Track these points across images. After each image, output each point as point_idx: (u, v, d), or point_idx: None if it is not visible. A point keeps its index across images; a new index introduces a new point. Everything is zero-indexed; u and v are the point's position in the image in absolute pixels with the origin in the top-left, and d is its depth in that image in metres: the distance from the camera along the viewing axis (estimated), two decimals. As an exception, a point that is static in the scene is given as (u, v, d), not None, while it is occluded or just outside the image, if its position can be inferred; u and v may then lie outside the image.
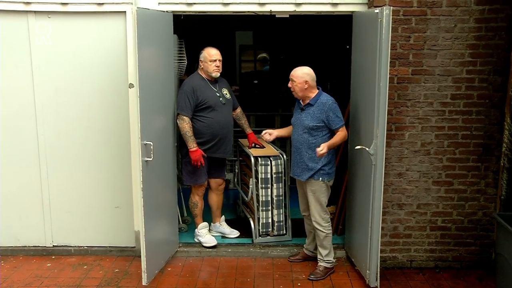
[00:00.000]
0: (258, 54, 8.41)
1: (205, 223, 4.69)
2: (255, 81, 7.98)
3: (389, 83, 3.74)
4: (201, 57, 4.43)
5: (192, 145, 4.29)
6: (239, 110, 4.75)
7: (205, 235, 4.63)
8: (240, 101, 4.96)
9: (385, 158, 3.92)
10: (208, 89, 4.41)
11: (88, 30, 4.23)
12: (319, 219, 4.01)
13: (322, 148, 3.77)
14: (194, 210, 4.64)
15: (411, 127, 4.14)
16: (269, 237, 4.69)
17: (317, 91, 3.95)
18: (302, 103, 4.00)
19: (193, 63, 5.45)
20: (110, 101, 4.35)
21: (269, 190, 4.62)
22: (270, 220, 4.67)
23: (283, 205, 4.68)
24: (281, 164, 4.62)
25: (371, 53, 3.67)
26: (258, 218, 4.65)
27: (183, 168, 4.53)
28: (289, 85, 3.97)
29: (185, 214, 5.15)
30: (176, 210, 4.61)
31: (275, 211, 4.65)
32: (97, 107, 4.35)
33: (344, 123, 3.91)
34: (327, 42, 7.63)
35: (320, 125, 3.88)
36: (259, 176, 4.58)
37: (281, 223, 4.69)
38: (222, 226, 4.85)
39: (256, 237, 4.65)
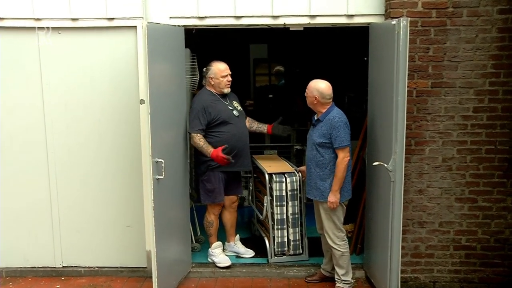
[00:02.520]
0: (273, 68, 8.44)
1: (219, 243, 4.67)
2: (270, 95, 7.99)
3: (407, 96, 3.71)
4: (211, 73, 4.43)
5: (209, 150, 4.30)
6: (247, 118, 4.73)
7: (219, 255, 4.61)
8: (254, 115, 4.97)
9: (405, 174, 3.88)
10: (220, 104, 4.43)
11: (98, 46, 4.29)
12: (333, 237, 3.98)
13: (331, 200, 3.84)
14: (209, 229, 4.63)
15: (432, 141, 4.10)
16: (285, 256, 4.65)
17: (328, 106, 3.93)
18: (315, 117, 4.01)
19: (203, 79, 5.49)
20: (121, 117, 4.38)
21: (284, 208, 4.59)
22: (285, 239, 4.63)
23: (299, 223, 4.65)
24: (296, 181, 4.59)
25: (389, 65, 3.65)
26: (273, 237, 4.62)
27: (201, 187, 4.54)
28: (305, 94, 3.99)
29: (199, 233, 5.13)
30: (189, 229, 4.61)
31: (290, 230, 4.62)
32: (107, 123, 4.39)
33: (347, 144, 3.82)
34: (345, 54, 7.63)
35: (326, 142, 3.87)
36: (274, 194, 4.56)
37: (297, 242, 4.65)
38: (237, 245, 4.83)
39: (271, 257, 4.62)
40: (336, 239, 3.98)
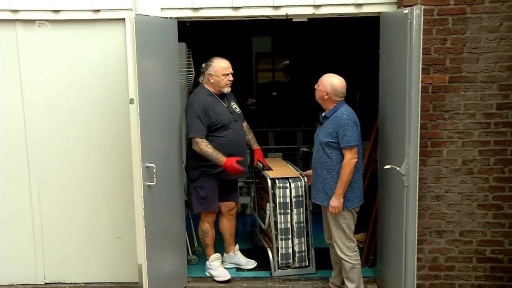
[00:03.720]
0: (279, 63, 8.46)
1: (217, 255, 4.68)
2: (274, 93, 7.99)
3: (422, 92, 3.72)
4: (210, 70, 4.39)
5: (221, 159, 4.29)
6: (245, 124, 4.72)
7: (217, 267, 4.62)
8: (257, 115, 4.99)
9: (420, 179, 3.88)
10: (219, 106, 4.41)
11: (84, 41, 4.31)
12: (343, 247, 3.97)
13: (333, 205, 3.84)
14: (205, 239, 4.65)
15: (450, 142, 4.10)
16: (289, 269, 4.65)
17: (336, 103, 3.90)
18: (322, 115, 4.01)
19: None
20: (110, 119, 4.40)
21: (289, 216, 4.59)
22: (290, 250, 4.62)
23: (305, 233, 4.64)
24: (301, 187, 4.59)
25: (401, 59, 3.66)
26: (277, 248, 4.62)
27: (193, 194, 4.56)
28: (315, 86, 3.98)
29: (196, 244, 5.15)
30: (185, 240, 4.63)
31: (296, 240, 4.61)
32: (96, 125, 4.41)
33: (354, 144, 3.79)
34: (356, 46, 7.62)
35: (333, 141, 3.84)
36: (277, 201, 4.57)
37: (303, 254, 4.65)
38: (237, 256, 4.86)
39: (275, 270, 4.63)
40: (346, 249, 3.97)
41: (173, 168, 4.25)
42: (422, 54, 3.62)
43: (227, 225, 4.76)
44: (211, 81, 4.40)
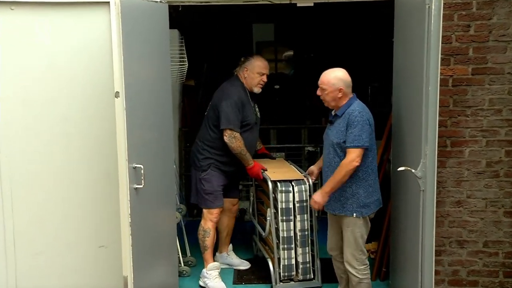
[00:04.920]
0: (280, 52, 8.44)
1: (217, 264, 4.71)
2: (276, 86, 7.98)
3: (442, 86, 3.71)
4: (248, 64, 4.67)
5: (250, 161, 4.63)
6: None
7: (214, 278, 4.65)
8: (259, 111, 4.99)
9: (439, 182, 3.88)
10: (248, 104, 4.68)
11: (64, 26, 4.28)
12: (351, 259, 3.94)
13: (316, 199, 3.91)
14: (205, 240, 4.68)
15: (473, 141, 4.10)
16: (292, 282, 4.64)
17: (349, 98, 3.90)
18: (332, 113, 3.99)
19: (197, 65, 5.48)
20: (93, 114, 4.38)
21: (292, 223, 4.56)
22: (293, 261, 4.60)
23: (310, 242, 4.62)
24: (306, 191, 4.56)
25: (418, 48, 3.63)
26: (279, 259, 4.59)
27: (198, 187, 4.67)
28: (318, 93, 3.94)
29: (188, 254, 5.15)
30: (176, 250, 4.61)
31: (299, 250, 4.59)
32: (76, 121, 4.38)
33: (361, 145, 3.74)
34: (368, 35, 7.60)
35: (344, 139, 3.82)
36: (279, 206, 4.54)
37: (308, 265, 4.62)
38: (230, 256, 5.02)
39: (276, 283, 4.61)
40: (355, 262, 3.94)
41: (163, 169, 4.24)
42: (442, 43, 3.60)
43: (226, 223, 4.91)
44: (245, 76, 4.68)
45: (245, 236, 5.76)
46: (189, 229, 5.27)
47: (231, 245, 5.08)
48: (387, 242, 4.53)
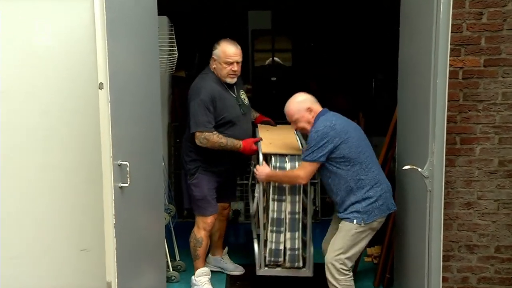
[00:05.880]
0: (278, 42, 8.44)
1: (206, 270, 4.74)
2: (273, 78, 7.99)
3: (451, 78, 3.73)
4: (215, 53, 4.49)
5: (238, 145, 4.44)
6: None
7: (203, 284, 4.67)
8: (253, 104, 5.00)
9: (447, 182, 3.89)
10: (227, 97, 4.52)
11: (43, 13, 4.28)
12: (332, 266, 3.97)
13: (260, 169, 4.17)
14: (196, 249, 4.70)
15: (484, 138, 4.12)
16: (279, 268, 4.48)
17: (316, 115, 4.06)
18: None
19: (187, 55, 5.48)
20: (74, 107, 4.38)
21: (283, 204, 4.32)
22: (281, 247, 4.38)
23: (300, 226, 4.36)
24: None
25: (425, 38, 3.64)
26: (265, 241, 4.40)
27: (190, 193, 4.65)
28: (298, 128, 4.15)
29: (177, 258, 5.17)
30: (164, 253, 4.63)
31: (287, 234, 4.35)
32: (57, 115, 4.38)
33: (312, 159, 3.92)
34: (372, 23, 7.62)
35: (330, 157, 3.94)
36: (270, 183, 4.31)
37: (296, 252, 4.39)
38: (224, 259, 5.06)
39: (260, 267, 4.46)
40: (335, 271, 3.96)
41: (151, 167, 4.24)
42: (452, 32, 3.60)
43: (218, 226, 4.92)
44: (214, 66, 4.52)
45: (239, 239, 5.78)
46: (178, 231, 5.28)
47: (226, 248, 5.12)
48: (391, 246, 4.54)
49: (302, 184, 4.14)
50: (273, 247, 4.37)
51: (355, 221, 3.91)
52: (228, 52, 4.42)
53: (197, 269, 4.71)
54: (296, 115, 4.04)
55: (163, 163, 4.51)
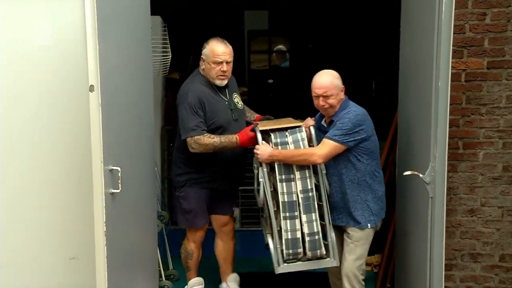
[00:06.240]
0: (274, 42, 8.45)
1: (199, 279, 4.68)
2: (270, 80, 8.00)
3: (453, 81, 3.73)
4: (203, 53, 4.35)
5: (233, 138, 4.22)
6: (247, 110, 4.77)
7: None
8: (249, 107, 4.95)
9: (449, 188, 3.89)
10: (217, 100, 4.35)
11: (32, 12, 4.27)
12: (354, 280, 3.93)
13: (264, 149, 3.90)
14: (187, 261, 4.64)
15: (488, 143, 4.12)
16: (300, 262, 4.01)
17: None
18: (325, 124, 4.02)
19: (182, 57, 5.47)
20: (64, 110, 4.36)
21: (293, 183, 3.95)
22: (298, 234, 3.94)
23: (315, 207, 3.95)
24: (302, 139, 4.01)
25: (427, 39, 3.64)
26: (279, 232, 3.99)
27: (176, 205, 4.56)
28: (321, 103, 3.88)
29: (171, 267, 5.16)
30: (157, 262, 4.62)
31: (303, 217, 3.94)
32: (46, 118, 4.37)
33: (341, 141, 3.79)
34: (373, 24, 7.63)
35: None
36: (276, 162, 3.98)
37: (316, 237, 3.94)
38: (230, 287, 4.73)
39: (279, 264, 3.99)
40: (356, 283, 3.94)
41: (143, 172, 4.23)
42: (454, 33, 3.61)
43: (220, 247, 4.70)
44: (203, 67, 4.38)
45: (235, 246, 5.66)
46: (171, 238, 5.26)
47: (233, 274, 4.73)
48: (392, 255, 4.54)
49: (315, 163, 3.84)
50: (289, 236, 3.94)
51: (369, 225, 3.89)
52: (216, 50, 4.25)
53: (189, 280, 4.67)
54: (333, 90, 3.82)
55: (156, 168, 4.49)
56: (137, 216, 4.16)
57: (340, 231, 4.04)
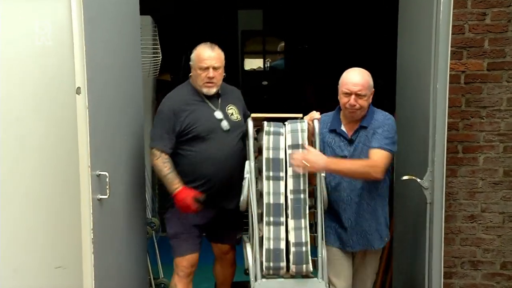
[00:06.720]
0: (269, 43, 8.47)
1: None
2: (265, 82, 8.02)
3: (452, 83, 3.76)
4: (191, 58, 4.16)
5: (175, 186, 3.99)
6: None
7: None
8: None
9: (449, 194, 3.91)
10: (201, 108, 4.10)
11: (16, 11, 4.28)
12: None
13: (313, 157, 3.50)
14: None
15: (488, 147, 4.14)
16: (281, 279, 3.58)
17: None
18: (345, 129, 3.75)
19: (173, 58, 5.48)
20: (50, 113, 4.34)
21: (282, 182, 3.58)
22: (282, 245, 3.54)
23: (306, 212, 3.58)
24: (302, 130, 3.64)
25: (424, 40, 3.67)
26: (261, 240, 3.58)
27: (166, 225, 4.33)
28: (352, 102, 3.60)
29: (161, 276, 5.15)
30: (147, 270, 4.63)
31: (291, 223, 3.54)
32: (31, 122, 4.34)
33: (394, 151, 3.65)
34: (372, 24, 7.65)
35: None
36: (263, 155, 3.61)
37: (303, 248, 3.53)
38: None
39: (256, 278, 3.58)
40: None
41: (132, 177, 4.24)
42: (453, 34, 3.65)
43: (219, 271, 4.52)
44: (190, 74, 4.20)
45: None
46: (162, 246, 5.25)
47: None
48: (390, 262, 4.55)
49: (377, 178, 3.55)
50: (272, 246, 3.54)
51: (386, 239, 3.84)
52: (201, 55, 4.02)
53: None
54: (367, 90, 3.62)
55: (146, 173, 4.49)
56: (125, 223, 4.17)
57: (347, 254, 3.85)
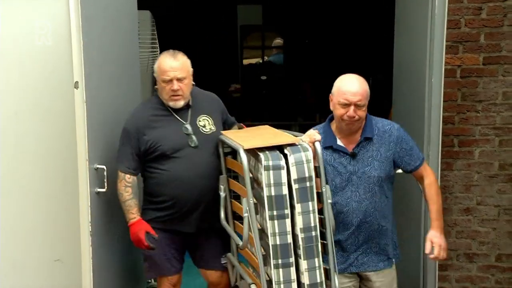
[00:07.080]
0: (268, 38, 8.47)
1: None
2: (263, 77, 8.02)
3: (448, 77, 3.77)
4: (154, 70, 3.84)
5: (131, 215, 3.78)
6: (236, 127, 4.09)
7: None
8: (243, 105, 4.89)
9: (444, 187, 3.93)
10: (168, 124, 3.78)
11: (13, 7, 4.28)
12: None
13: (440, 242, 3.29)
14: None
15: (484, 141, 4.15)
16: None
17: None
18: (342, 144, 3.38)
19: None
20: (48, 108, 4.34)
21: (288, 220, 3.15)
22: (294, 286, 3.17)
23: (319, 250, 3.18)
24: (308, 161, 3.13)
25: (420, 34, 3.69)
26: (268, 282, 3.23)
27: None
28: (351, 114, 3.23)
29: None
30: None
31: (303, 264, 3.16)
32: (29, 117, 4.34)
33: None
34: (370, 19, 7.66)
35: (391, 171, 3.41)
36: (264, 193, 3.12)
37: None
38: None
39: None
40: None
41: (130, 171, 4.26)
42: (449, 28, 3.68)
43: None
44: (156, 87, 3.86)
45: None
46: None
47: None
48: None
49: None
50: None
51: (394, 260, 3.54)
52: (163, 66, 3.68)
53: None
54: (366, 100, 3.23)
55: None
56: (123, 216, 4.17)
57: (353, 280, 3.54)
